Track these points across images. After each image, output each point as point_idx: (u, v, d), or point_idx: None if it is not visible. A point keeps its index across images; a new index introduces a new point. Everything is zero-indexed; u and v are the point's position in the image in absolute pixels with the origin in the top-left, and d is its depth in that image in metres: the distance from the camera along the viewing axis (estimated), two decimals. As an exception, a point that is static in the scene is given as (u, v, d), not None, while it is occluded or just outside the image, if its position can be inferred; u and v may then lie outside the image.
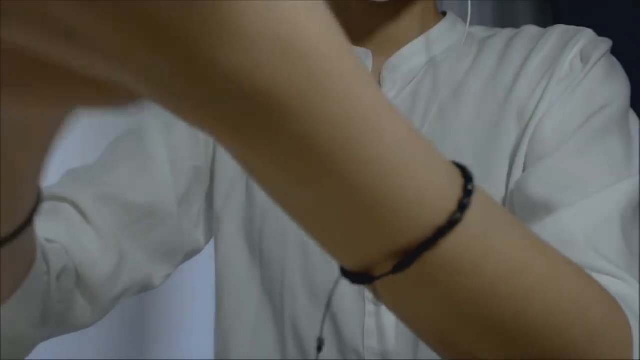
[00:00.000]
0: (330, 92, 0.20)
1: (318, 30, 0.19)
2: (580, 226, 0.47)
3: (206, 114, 0.19)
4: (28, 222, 0.34)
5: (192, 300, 1.11)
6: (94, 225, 0.57)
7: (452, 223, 0.24)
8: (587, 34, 0.58)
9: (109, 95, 0.20)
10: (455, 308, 0.26)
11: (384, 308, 0.56)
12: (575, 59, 0.56)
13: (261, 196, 0.62)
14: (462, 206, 0.24)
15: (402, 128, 0.23)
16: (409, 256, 0.24)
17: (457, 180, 0.25)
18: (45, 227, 0.52)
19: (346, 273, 0.27)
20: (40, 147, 0.28)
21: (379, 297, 0.27)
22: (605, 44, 0.57)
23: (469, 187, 0.24)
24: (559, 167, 0.51)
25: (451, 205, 0.24)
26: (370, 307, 0.57)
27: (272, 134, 0.20)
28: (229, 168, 0.65)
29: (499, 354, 0.28)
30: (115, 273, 0.57)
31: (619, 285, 0.41)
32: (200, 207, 0.67)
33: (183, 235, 0.65)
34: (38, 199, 0.34)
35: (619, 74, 0.57)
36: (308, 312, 0.59)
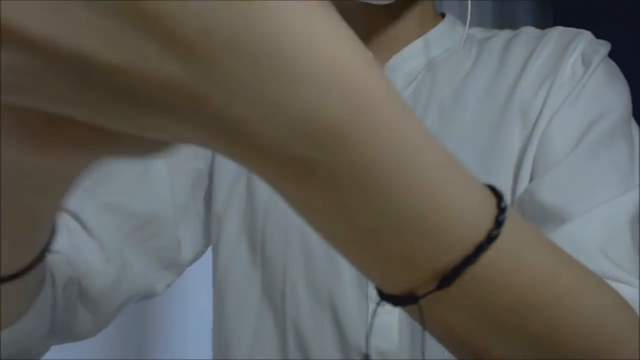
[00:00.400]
0: (382, 124, 0.22)
1: (366, 68, 0.21)
2: (592, 235, 0.48)
3: (273, 157, 0.21)
4: (42, 255, 0.35)
5: (192, 300, 1.11)
6: (95, 237, 0.57)
7: (490, 239, 0.25)
8: (587, 36, 0.58)
9: (139, 144, 0.21)
10: (490, 320, 0.28)
11: (387, 308, 0.56)
12: (577, 62, 0.56)
13: (263, 198, 0.62)
14: (498, 223, 0.26)
15: (442, 153, 0.24)
16: (452, 273, 0.25)
17: (491, 200, 0.27)
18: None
19: (387, 296, 0.28)
20: (60, 193, 0.28)
21: (420, 318, 0.28)
22: (605, 47, 0.57)
23: (502, 205, 0.26)
24: (569, 175, 0.51)
25: (488, 223, 0.26)
26: (373, 307, 0.57)
27: (336, 167, 0.22)
28: (229, 170, 0.65)
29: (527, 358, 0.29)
30: (117, 283, 0.57)
31: (633, 293, 0.43)
32: (200, 210, 0.67)
33: (184, 241, 0.65)
34: (52, 233, 0.34)
35: (618, 78, 0.57)
36: (310, 314, 0.59)
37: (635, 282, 0.45)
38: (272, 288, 0.62)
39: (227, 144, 0.20)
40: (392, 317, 0.56)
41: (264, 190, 0.62)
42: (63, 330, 0.51)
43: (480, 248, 0.25)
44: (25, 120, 0.20)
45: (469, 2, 0.59)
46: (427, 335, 0.55)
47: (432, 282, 0.26)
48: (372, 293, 0.57)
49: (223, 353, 0.65)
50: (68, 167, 0.25)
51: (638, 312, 0.34)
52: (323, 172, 0.22)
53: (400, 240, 0.24)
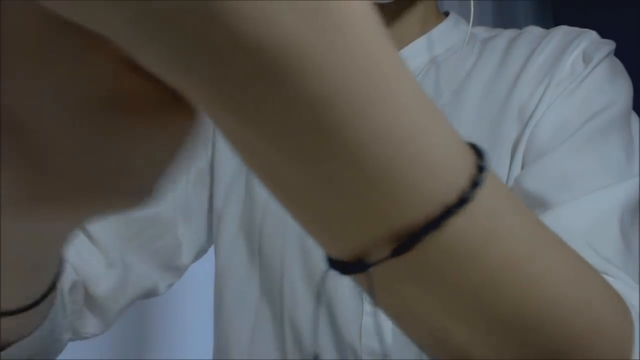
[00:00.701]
0: (352, 50, 0.17)
1: None
2: (577, 224, 0.46)
3: (199, 73, 0.17)
4: (54, 286, 0.35)
5: (192, 300, 1.11)
6: (96, 242, 0.57)
7: (462, 201, 0.21)
8: (590, 35, 0.57)
9: (130, 198, 0.20)
10: (453, 299, 0.24)
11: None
12: (577, 60, 0.56)
13: (261, 196, 0.62)
14: (474, 184, 0.22)
15: (421, 96, 0.21)
16: (410, 238, 0.21)
17: (470, 157, 0.23)
18: None
19: (336, 263, 0.24)
20: (61, 240, 0.28)
21: (369, 289, 0.24)
22: (608, 45, 0.57)
23: (482, 164, 0.22)
24: (557, 165, 0.50)
25: (462, 182, 0.22)
26: (368, 306, 0.57)
27: (278, 96, 0.17)
28: (228, 168, 0.65)
29: (493, 353, 0.26)
30: (121, 286, 0.58)
31: (617, 284, 0.41)
32: (203, 209, 0.67)
33: (186, 241, 0.65)
34: (60, 265, 0.34)
35: (621, 75, 0.56)
36: (307, 312, 0.59)
37: (620, 275, 0.42)
38: (270, 286, 0.62)
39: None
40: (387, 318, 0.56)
41: (262, 189, 0.62)
42: (72, 331, 0.53)
43: (449, 211, 0.21)
44: (5, 192, 0.19)
45: (472, 2, 0.59)
46: None
47: (387, 248, 0.22)
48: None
49: (222, 349, 0.65)
50: (59, 229, 0.25)
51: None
52: (266, 103, 0.18)
53: (355, 191, 0.20)
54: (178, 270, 0.66)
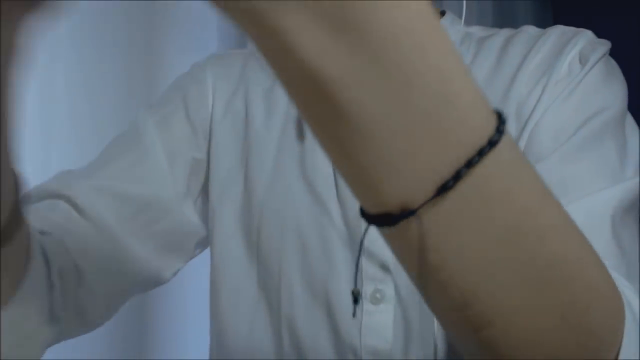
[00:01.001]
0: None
1: None
2: None
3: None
4: (12, 220, 0.34)
5: (191, 300, 1.11)
6: (92, 219, 0.56)
7: (491, 144, 0.25)
8: (586, 35, 0.58)
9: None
10: (483, 248, 0.27)
11: (382, 306, 0.56)
12: (574, 60, 0.56)
13: (259, 191, 0.62)
14: (500, 131, 0.25)
15: (454, 49, 0.25)
16: (454, 175, 0.24)
17: (492, 112, 0.26)
18: (40, 220, 0.52)
19: (377, 217, 0.26)
20: None
21: (419, 235, 0.26)
22: (604, 46, 0.57)
23: (503, 116, 0.26)
24: (553, 171, 0.51)
25: (490, 128, 0.25)
26: (368, 305, 0.56)
27: (367, 28, 0.22)
28: (225, 161, 0.65)
29: (513, 318, 0.28)
30: (118, 265, 0.57)
31: None
32: (198, 199, 0.67)
33: (187, 226, 0.65)
34: (17, 192, 0.34)
35: (616, 77, 0.56)
36: (305, 310, 0.59)
37: (614, 275, 0.43)
38: (267, 284, 0.61)
39: None
40: (386, 316, 0.56)
41: (261, 186, 0.62)
42: (67, 320, 0.50)
43: (482, 151, 0.24)
44: None
45: (464, 2, 0.59)
46: (418, 334, 0.54)
47: (431, 189, 0.25)
48: (367, 291, 0.56)
49: (219, 351, 0.65)
50: None
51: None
52: (353, 33, 0.22)
53: (406, 133, 0.24)
54: (183, 256, 0.65)
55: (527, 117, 0.55)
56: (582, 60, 0.56)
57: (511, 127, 0.56)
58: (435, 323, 0.54)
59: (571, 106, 0.54)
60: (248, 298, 0.62)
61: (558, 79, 0.55)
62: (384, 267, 0.56)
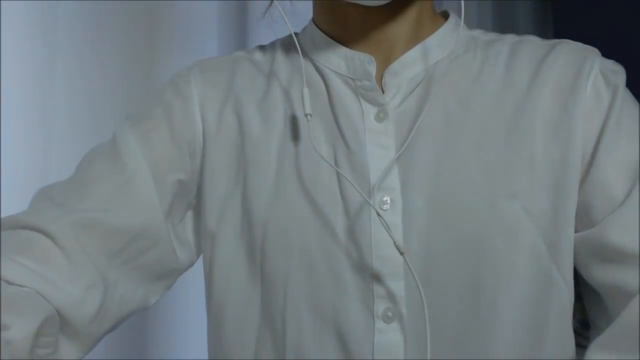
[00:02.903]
0: None
1: None
2: None
3: None
4: None
5: (192, 300, 1.10)
6: (74, 260, 0.54)
7: None
8: (597, 53, 0.59)
9: None
10: None
11: (394, 325, 0.55)
12: (598, 81, 0.57)
13: (260, 213, 0.59)
14: None
15: None
16: None
17: None
18: (16, 269, 0.51)
19: None
20: None
21: None
22: (622, 69, 0.59)
23: None
24: (636, 215, 0.53)
25: None
26: (380, 324, 0.55)
27: None
28: (220, 185, 0.62)
29: None
30: (104, 308, 0.55)
31: None
32: (187, 221, 0.65)
33: (175, 252, 0.62)
34: None
35: (636, 101, 0.58)
36: (313, 335, 0.56)
37: None
38: (271, 309, 0.58)
39: None
40: (398, 334, 0.55)
41: (261, 205, 0.59)
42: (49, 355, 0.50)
43: None
44: None
45: (462, 4, 0.58)
46: (430, 352, 0.54)
47: None
48: (378, 309, 0.55)
49: None
50: None
51: None
52: None
53: None
54: (168, 282, 0.63)
55: (567, 136, 0.56)
56: (607, 82, 0.57)
57: (535, 142, 0.57)
58: (448, 341, 0.54)
59: (625, 141, 0.56)
60: (252, 326, 0.59)
61: (585, 98, 0.57)
62: (395, 285, 0.55)
